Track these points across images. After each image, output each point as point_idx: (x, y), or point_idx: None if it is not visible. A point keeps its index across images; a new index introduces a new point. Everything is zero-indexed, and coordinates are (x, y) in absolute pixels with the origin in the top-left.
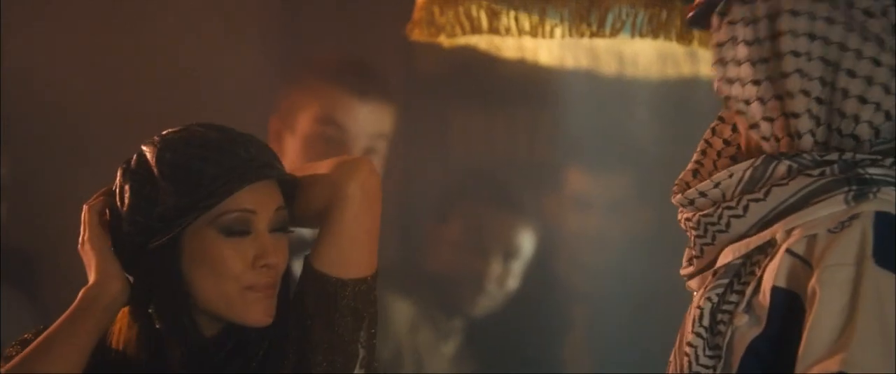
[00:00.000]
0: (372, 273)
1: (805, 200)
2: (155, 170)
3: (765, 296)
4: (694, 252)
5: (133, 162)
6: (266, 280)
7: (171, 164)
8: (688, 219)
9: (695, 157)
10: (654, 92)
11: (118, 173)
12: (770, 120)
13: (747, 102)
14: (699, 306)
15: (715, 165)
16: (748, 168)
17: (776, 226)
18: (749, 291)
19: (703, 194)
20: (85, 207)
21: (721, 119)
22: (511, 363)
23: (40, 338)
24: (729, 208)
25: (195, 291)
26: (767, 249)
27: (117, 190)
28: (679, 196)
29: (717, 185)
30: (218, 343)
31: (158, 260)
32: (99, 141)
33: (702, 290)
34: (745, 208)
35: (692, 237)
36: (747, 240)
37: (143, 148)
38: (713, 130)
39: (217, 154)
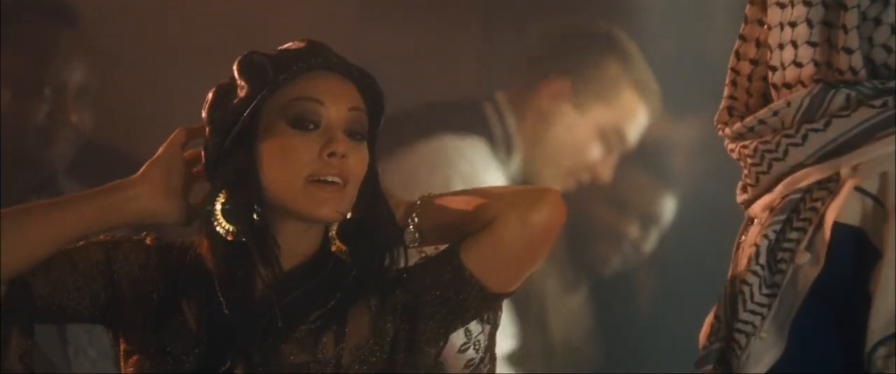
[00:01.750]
0: (508, 294)
1: (868, 133)
2: (235, 72)
3: (826, 233)
4: (748, 181)
5: (217, 87)
6: (332, 171)
7: (248, 62)
8: (744, 147)
9: (726, 91)
10: None
11: None
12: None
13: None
14: (755, 244)
15: (748, 91)
16: (806, 96)
17: (838, 160)
18: (811, 228)
19: (761, 122)
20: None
21: (742, 38)
22: (631, 327)
23: (57, 199)
24: (788, 135)
25: (267, 189)
26: (829, 184)
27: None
28: (737, 125)
29: (775, 113)
30: (296, 273)
31: (235, 160)
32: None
33: (757, 226)
34: (805, 138)
35: (747, 166)
36: (806, 171)
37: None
38: (737, 55)
39: (291, 49)
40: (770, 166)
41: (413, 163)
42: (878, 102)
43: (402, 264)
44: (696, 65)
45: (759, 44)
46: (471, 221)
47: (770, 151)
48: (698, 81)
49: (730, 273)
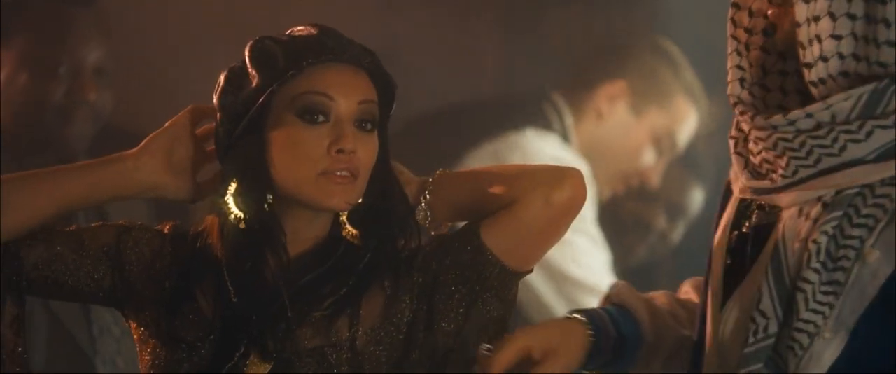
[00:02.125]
0: (528, 271)
1: None
2: (246, 59)
3: None
4: (783, 172)
5: (229, 69)
6: (340, 166)
7: (259, 50)
8: (782, 138)
9: (731, 61)
10: None
11: None
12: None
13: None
14: (815, 241)
15: (749, 61)
16: (867, 92)
17: None
18: (879, 226)
19: (809, 116)
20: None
21: (736, 6)
22: None
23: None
24: (847, 131)
25: (277, 179)
26: None
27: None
28: (778, 118)
29: (828, 107)
30: (306, 259)
31: (245, 148)
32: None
33: (805, 220)
34: (869, 134)
35: (782, 157)
36: (866, 167)
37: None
38: (734, 22)
39: (302, 39)
40: (818, 161)
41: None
42: None
43: (416, 244)
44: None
45: (751, 13)
46: (489, 200)
47: (823, 146)
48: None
49: (713, 258)
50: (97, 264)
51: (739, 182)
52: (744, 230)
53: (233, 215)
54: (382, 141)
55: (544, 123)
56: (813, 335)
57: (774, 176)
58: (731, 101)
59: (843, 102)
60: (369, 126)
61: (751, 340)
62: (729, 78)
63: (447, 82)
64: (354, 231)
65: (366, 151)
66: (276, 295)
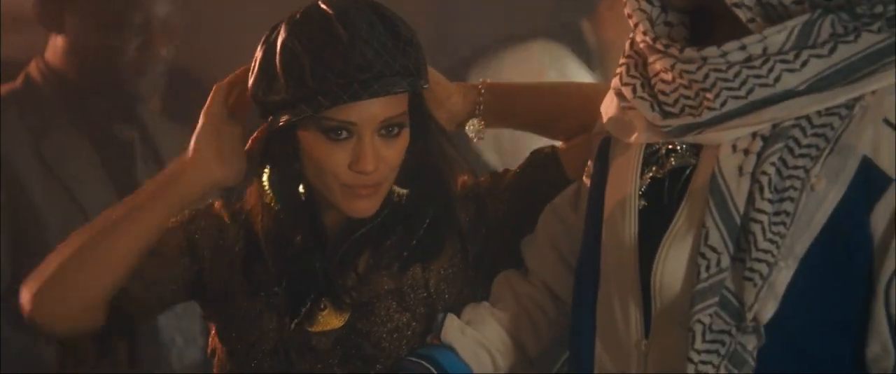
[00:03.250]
0: None
1: (872, 59)
2: (278, 56)
3: (847, 160)
4: (709, 104)
5: (270, 37)
6: (362, 182)
7: (290, 54)
8: (715, 69)
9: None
10: None
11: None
12: None
13: None
14: (764, 172)
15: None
16: (799, 24)
17: (845, 87)
18: (823, 156)
19: (742, 48)
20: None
21: None
22: None
23: (122, 206)
24: (783, 61)
25: (307, 175)
26: (839, 110)
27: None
28: (711, 48)
29: (762, 39)
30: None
31: (279, 139)
32: None
33: (744, 154)
34: (804, 63)
35: (709, 89)
36: (799, 99)
37: (282, 25)
38: None
39: (331, 56)
40: (751, 91)
41: (508, 63)
42: (875, 27)
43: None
44: None
45: None
46: (557, 115)
47: (757, 76)
48: None
49: (612, 198)
50: (181, 267)
51: (641, 130)
52: (656, 176)
53: (268, 198)
54: (424, 101)
55: (576, 38)
56: (771, 265)
57: (696, 112)
58: (649, 38)
59: (776, 35)
60: (396, 131)
61: (703, 275)
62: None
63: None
64: (403, 191)
65: (391, 154)
66: (335, 252)
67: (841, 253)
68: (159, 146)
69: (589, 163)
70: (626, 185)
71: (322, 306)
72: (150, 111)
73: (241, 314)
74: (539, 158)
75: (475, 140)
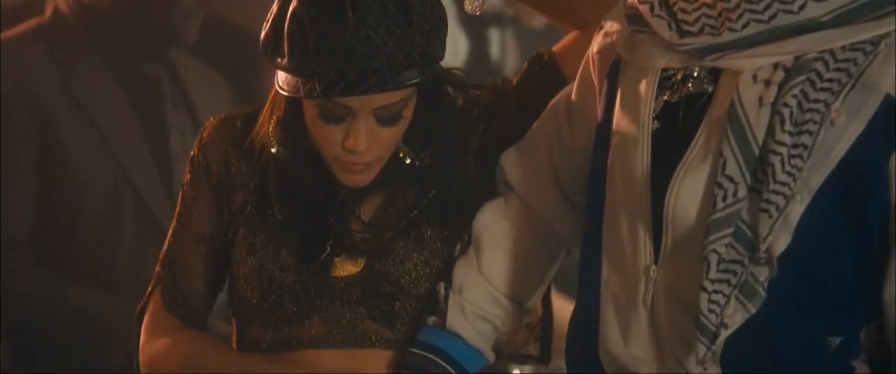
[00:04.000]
0: None
1: None
2: (287, 21)
3: (870, 97)
4: (731, 25)
5: None
6: (353, 159)
7: (299, 25)
8: None
9: None
10: None
11: None
12: None
13: None
14: (786, 104)
15: None
16: None
17: (873, 22)
18: (844, 90)
19: None
20: None
21: None
22: None
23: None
24: None
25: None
26: (864, 46)
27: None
28: None
29: None
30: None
31: (284, 103)
32: None
33: (765, 85)
34: None
35: (732, 9)
36: (825, 32)
37: None
38: None
39: (335, 39)
40: (774, 16)
41: None
42: None
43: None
44: None
45: None
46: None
47: (782, 2)
48: None
49: (623, 121)
50: (218, 214)
51: (657, 53)
52: (670, 100)
53: (274, 146)
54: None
55: None
56: (788, 198)
57: (716, 32)
58: None
59: None
60: (395, 115)
61: (719, 205)
62: None
63: None
64: (409, 151)
65: (387, 136)
66: (343, 203)
67: (856, 189)
68: (187, 88)
69: (578, 76)
70: (639, 108)
71: (338, 252)
72: (181, 52)
73: (262, 248)
74: (537, 65)
75: (470, 11)
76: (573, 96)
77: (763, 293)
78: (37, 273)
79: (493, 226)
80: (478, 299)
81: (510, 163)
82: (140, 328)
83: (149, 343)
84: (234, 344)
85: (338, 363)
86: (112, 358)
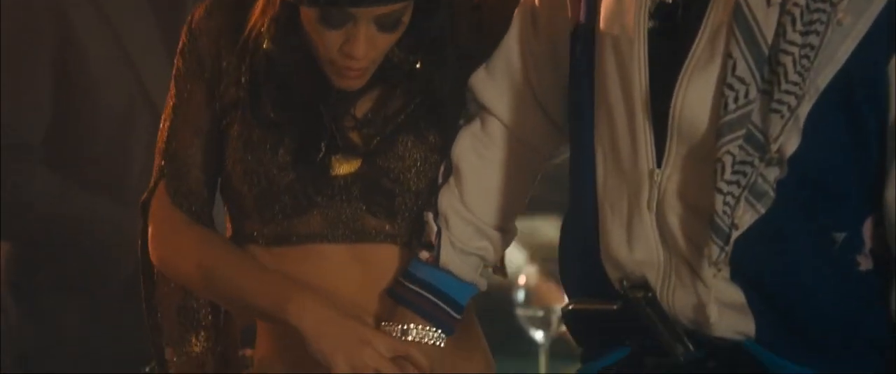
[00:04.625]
0: None
1: None
2: None
3: None
4: None
5: None
6: (350, 64)
7: None
8: None
9: None
10: None
11: None
12: None
13: None
14: (796, 4)
15: None
16: None
17: None
18: None
19: None
20: None
21: None
22: None
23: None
24: None
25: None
26: None
27: None
28: None
29: None
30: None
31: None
32: None
33: None
34: None
35: None
36: None
37: None
38: None
39: None
40: None
41: None
42: None
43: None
44: None
45: None
46: None
47: None
48: None
49: (613, 20)
50: (206, 96)
51: None
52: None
53: (266, 44)
54: None
55: None
56: (799, 98)
57: None
58: None
59: None
60: (394, 22)
61: (730, 107)
62: None
63: None
64: (401, 53)
65: (384, 42)
66: (342, 103)
67: (858, 90)
68: None
69: None
70: (632, 7)
71: (334, 151)
72: None
73: (258, 146)
74: None
75: None
76: (536, 1)
77: (773, 194)
78: (47, 178)
79: (471, 155)
80: (465, 236)
81: (481, 83)
82: (145, 219)
83: (159, 238)
84: (229, 236)
85: (337, 257)
86: (119, 267)
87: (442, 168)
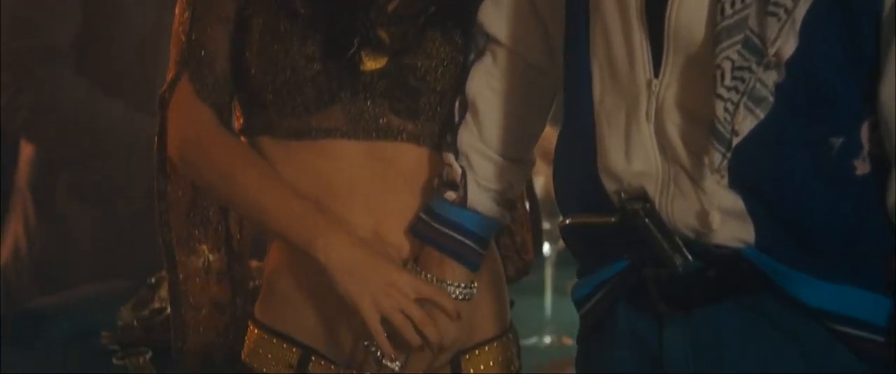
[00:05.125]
0: None
1: None
2: None
3: None
4: None
5: None
6: None
7: None
8: None
9: None
10: None
11: None
12: None
13: None
14: None
15: None
16: None
17: None
18: None
19: None
20: None
21: None
22: None
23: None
24: None
25: None
26: None
27: None
28: None
29: None
30: None
31: None
32: None
33: None
34: None
35: None
36: None
37: None
38: None
39: None
40: None
41: None
42: None
43: None
44: None
45: None
46: None
47: None
48: None
49: None
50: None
51: None
52: None
53: None
54: None
55: None
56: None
57: None
58: None
59: None
60: None
61: (727, 11)
62: None
63: None
64: None
65: None
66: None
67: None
68: None
69: None
70: None
71: (364, 47)
72: None
73: (286, 37)
74: None
75: None
76: None
77: (771, 99)
78: (75, 82)
79: (486, 90)
80: (488, 173)
81: (488, 15)
82: (163, 114)
83: (182, 136)
84: (238, 128)
85: (355, 154)
86: (140, 176)
87: (457, 105)
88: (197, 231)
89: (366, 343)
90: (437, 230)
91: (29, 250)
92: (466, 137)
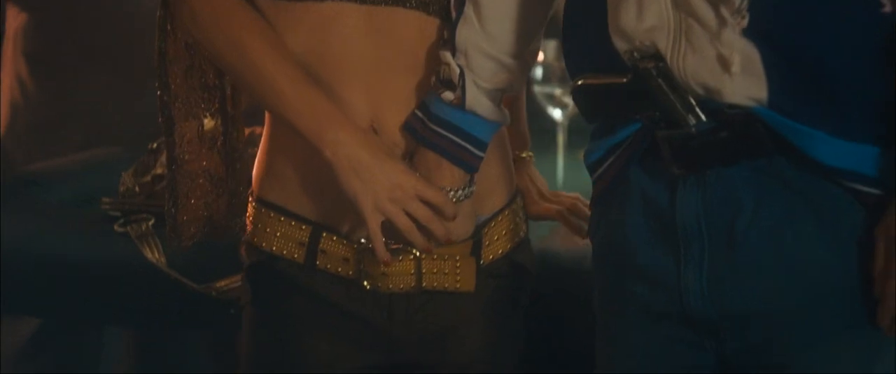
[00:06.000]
0: None
1: None
2: None
3: None
4: None
5: None
6: None
7: None
8: None
9: None
10: None
11: None
12: None
13: None
14: None
15: None
16: None
17: None
18: None
19: None
20: None
21: None
22: None
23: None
24: None
25: None
26: None
27: None
28: None
29: None
30: None
31: None
32: None
33: None
34: None
35: None
36: None
37: None
38: None
39: None
40: None
41: None
42: None
43: None
44: None
45: None
46: None
47: None
48: None
49: None
50: None
51: None
52: None
53: None
54: None
55: None
56: None
57: None
58: None
59: None
60: None
61: None
62: None
63: None
64: None
65: None
66: None
67: None
68: None
69: None
70: None
71: None
72: None
73: None
74: None
75: None
76: None
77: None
78: None
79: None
80: (488, 72)
81: None
82: None
83: None
84: None
85: (355, 19)
86: (141, 42)
87: (453, 1)
88: (194, 94)
89: (363, 240)
90: (434, 132)
91: (26, 115)
92: (466, 32)
